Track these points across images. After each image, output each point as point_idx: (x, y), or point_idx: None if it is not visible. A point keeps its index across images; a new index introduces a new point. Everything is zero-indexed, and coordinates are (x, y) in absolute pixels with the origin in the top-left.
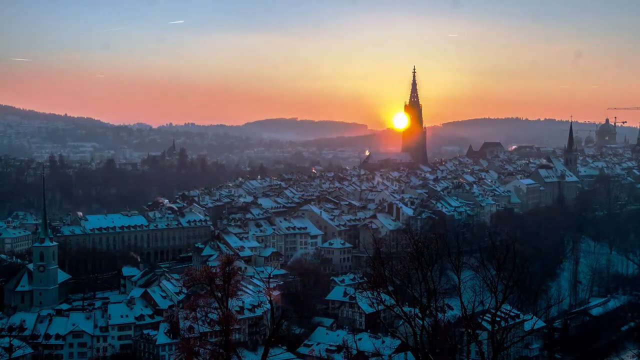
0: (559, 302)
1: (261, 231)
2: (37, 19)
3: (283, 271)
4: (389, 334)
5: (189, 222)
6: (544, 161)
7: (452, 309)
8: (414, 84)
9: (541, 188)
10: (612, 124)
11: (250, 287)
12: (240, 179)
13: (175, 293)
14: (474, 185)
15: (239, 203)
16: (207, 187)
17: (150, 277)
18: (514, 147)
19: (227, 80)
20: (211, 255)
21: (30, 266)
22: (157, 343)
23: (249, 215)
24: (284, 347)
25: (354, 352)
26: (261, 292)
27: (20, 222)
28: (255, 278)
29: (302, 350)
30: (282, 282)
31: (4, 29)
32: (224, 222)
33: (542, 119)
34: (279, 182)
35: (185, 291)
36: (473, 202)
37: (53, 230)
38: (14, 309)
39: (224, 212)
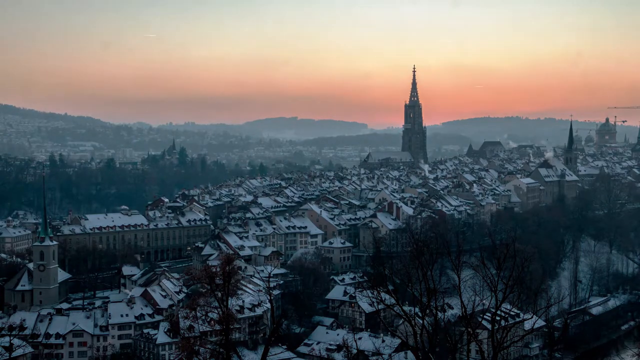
0: (559, 302)
1: (261, 230)
2: (37, 18)
3: (283, 270)
4: (389, 333)
5: (189, 221)
6: (546, 158)
7: (452, 308)
8: (414, 83)
9: (541, 187)
10: (612, 123)
11: (250, 286)
12: (240, 178)
13: (176, 292)
14: (474, 185)
15: (239, 202)
16: (207, 186)
17: (150, 277)
18: (514, 146)
19: (227, 80)
20: (211, 255)
21: (31, 265)
22: (157, 342)
23: (249, 215)
24: (284, 346)
25: (354, 351)
26: (261, 291)
27: (20, 222)
28: (256, 277)
29: (302, 349)
30: (282, 282)
31: (4, 29)
32: (224, 221)
33: (542, 118)
34: (279, 181)
35: (186, 290)
36: (473, 201)
37: (53, 229)
38: (14, 308)
39: (224, 211)
